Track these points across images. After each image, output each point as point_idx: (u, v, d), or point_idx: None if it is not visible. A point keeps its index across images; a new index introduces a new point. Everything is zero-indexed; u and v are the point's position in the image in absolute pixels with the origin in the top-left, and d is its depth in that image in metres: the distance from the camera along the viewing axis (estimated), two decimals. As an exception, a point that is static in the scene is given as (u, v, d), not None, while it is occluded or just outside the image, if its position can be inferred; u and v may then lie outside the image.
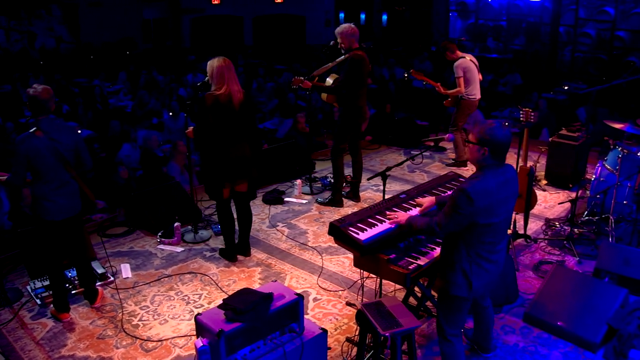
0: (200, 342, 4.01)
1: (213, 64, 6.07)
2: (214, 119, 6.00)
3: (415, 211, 5.01)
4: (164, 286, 6.18)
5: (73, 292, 5.95)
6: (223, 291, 6.03)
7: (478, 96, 9.47)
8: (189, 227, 7.37)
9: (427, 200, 5.00)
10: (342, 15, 23.59)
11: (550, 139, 9.32)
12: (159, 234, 7.19)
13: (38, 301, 5.83)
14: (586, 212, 7.78)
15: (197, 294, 6.02)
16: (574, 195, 7.62)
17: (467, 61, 9.31)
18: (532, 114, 6.88)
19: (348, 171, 8.49)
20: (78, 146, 5.37)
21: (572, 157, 8.75)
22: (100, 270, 6.21)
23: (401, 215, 4.68)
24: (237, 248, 6.77)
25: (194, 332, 4.53)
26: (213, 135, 6.09)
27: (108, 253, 6.75)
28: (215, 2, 21.41)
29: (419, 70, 9.99)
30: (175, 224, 7.12)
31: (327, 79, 7.91)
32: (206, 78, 6.72)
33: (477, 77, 9.41)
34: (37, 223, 5.38)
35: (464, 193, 3.92)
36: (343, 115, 7.80)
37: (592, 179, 7.79)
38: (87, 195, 5.51)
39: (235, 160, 6.19)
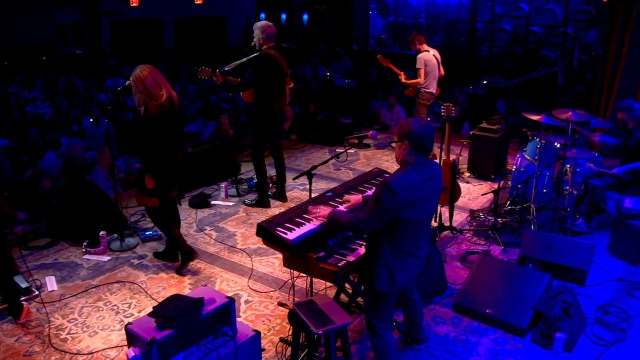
0: (132, 352, 3.94)
1: (141, 74, 5.81)
2: (160, 128, 5.84)
3: (341, 208, 5.04)
4: (91, 297, 6.04)
5: (-5, 308, 5.76)
6: (153, 299, 5.94)
7: (435, 91, 9.69)
8: (115, 235, 7.22)
9: (354, 198, 5.05)
10: (262, 15, 23.56)
11: (471, 132, 9.55)
12: (84, 243, 7.02)
13: (-41, 320, 5.63)
14: (508, 202, 8.00)
15: (126, 303, 5.92)
16: (496, 186, 7.82)
17: (430, 55, 9.50)
18: (453, 108, 7.03)
19: (273, 172, 8.48)
20: None
21: (493, 149, 8.98)
22: (23, 285, 6.01)
23: (323, 211, 4.70)
24: (166, 255, 6.69)
25: (125, 343, 4.45)
26: (158, 143, 5.92)
27: (32, 266, 6.57)
28: (134, 4, 21.05)
29: (385, 57, 10.08)
30: (101, 233, 6.98)
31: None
32: (127, 82, 6.59)
33: (437, 72, 9.59)
34: None
35: (387, 187, 3.98)
36: (257, 116, 7.77)
37: (513, 170, 8.01)
38: (4, 209, 5.32)
39: (176, 165, 6.09)
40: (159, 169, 6.02)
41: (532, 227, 7.16)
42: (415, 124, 4.11)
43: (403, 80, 9.71)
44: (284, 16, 24.36)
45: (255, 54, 7.59)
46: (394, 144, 4.25)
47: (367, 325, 4.59)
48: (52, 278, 6.38)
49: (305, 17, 24.42)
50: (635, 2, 9.57)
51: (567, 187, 7.21)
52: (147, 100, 5.82)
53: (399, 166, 4.25)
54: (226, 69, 7.99)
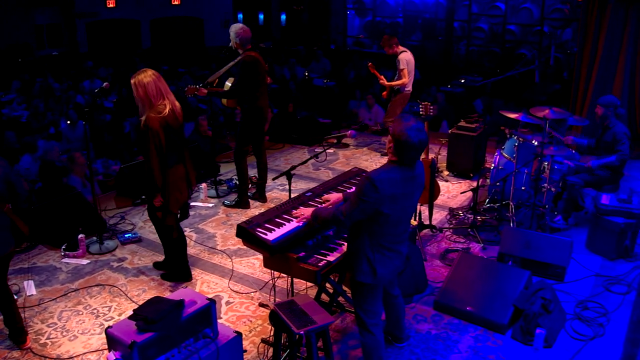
0: (112, 356, 3.92)
1: (144, 79, 5.45)
2: (166, 142, 5.54)
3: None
4: (71, 301, 6.00)
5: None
6: (133, 301, 5.91)
7: (411, 89, 9.76)
8: (94, 238, 7.17)
9: (334, 196, 5.06)
10: (240, 16, 23.46)
11: (449, 130, 9.59)
12: (63, 247, 6.96)
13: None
14: (487, 200, 8.05)
15: (106, 307, 5.88)
16: (475, 184, 7.86)
17: (410, 55, 9.63)
18: (431, 107, 7.07)
19: (253, 172, 8.47)
20: (9, 178, 4.92)
21: (472, 148, 9.03)
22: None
23: (306, 211, 4.73)
24: (166, 265, 6.58)
25: (106, 346, 4.43)
26: (161, 158, 5.59)
27: (10, 270, 6.43)
28: (111, 5, 20.90)
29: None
30: (80, 236, 6.93)
31: (226, 82, 7.87)
32: (104, 84, 6.53)
33: (413, 71, 9.67)
34: None
35: (369, 180, 4.03)
36: (244, 117, 7.78)
37: (492, 168, 8.05)
38: (17, 226, 5.05)
39: (179, 181, 5.86)
40: (161, 185, 5.71)
41: (511, 224, 7.21)
42: (409, 133, 4.01)
43: (386, 83, 9.75)
44: (261, 16, 24.27)
45: (237, 60, 7.59)
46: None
47: (357, 324, 4.61)
48: (31, 282, 6.32)
49: (283, 17, 24.37)
50: (609, 1, 9.67)
51: (545, 185, 7.26)
52: (148, 112, 5.49)
53: (380, 164, 4.28)
54: (209, 80, 8.00)
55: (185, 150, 5.95)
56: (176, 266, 6.38)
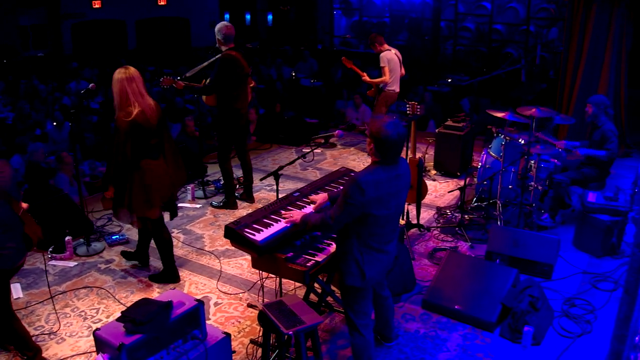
0: (101, 358, 3.90)
1: (114, 77, 5.47)
2: (133, 144, 5.53)
3: (309, 208, 5.05)
4: (58, 304, 5.96)
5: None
6: (121, 303, 5.88)
7: (397, 89, 9.73)
8: (81, 240, 7.13)
9: (320, 197, 5.05)
10: (227, 16, 23.42)
11: (436, 130, 9.61)
12: (50, 249, 6.92)
13: None
14: (475, 199, 8.07)
15: (94, 309, 5.85)
16: (462, 183, 7.89)
17: (392, 54, 9.57)
18: (418, 106, 7.09)
19: (240, 173, 8.44)
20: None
21: (459, 147, 9.05)
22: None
23: (296, 214, 4.72)
24: (136, 256, 6.61)
25: (94, 349, 4.41)
26: (135, 158, 5.61)
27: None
28: (96, 5, 20.82)
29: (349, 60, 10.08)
30: (66, 238, 6.89)
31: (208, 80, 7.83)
32: (90, 85, 6.49)
33: (399, 71, 9.64)
34: None
35: (355, 183, 4.02)
36: (220, 118, 7.73)
37: (479, 167, 8.07)
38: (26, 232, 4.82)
39: (155, 181, 5.80)
40: (131, 186, 5.72)
41: (499, 223, 7.23)
42: (386, 128, 4.04)
43: (368, 80, 9.75)
44: (248, 16, 24.26)
45: (217, 57, 7.55)
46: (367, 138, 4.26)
47: (347, 325, 4.60)
48: (18, 285, 6.28)
49: (270, 17, 24.36)
50: (594, 1, 9.73)
51: (532, 183, 7.29)
52: (117, 112, 5.51)
53: (367, 164, 4.27)
54: (188, 74, 7.95)
55: (169, 148, 5.95)
56: (142, 255, 6.55)
